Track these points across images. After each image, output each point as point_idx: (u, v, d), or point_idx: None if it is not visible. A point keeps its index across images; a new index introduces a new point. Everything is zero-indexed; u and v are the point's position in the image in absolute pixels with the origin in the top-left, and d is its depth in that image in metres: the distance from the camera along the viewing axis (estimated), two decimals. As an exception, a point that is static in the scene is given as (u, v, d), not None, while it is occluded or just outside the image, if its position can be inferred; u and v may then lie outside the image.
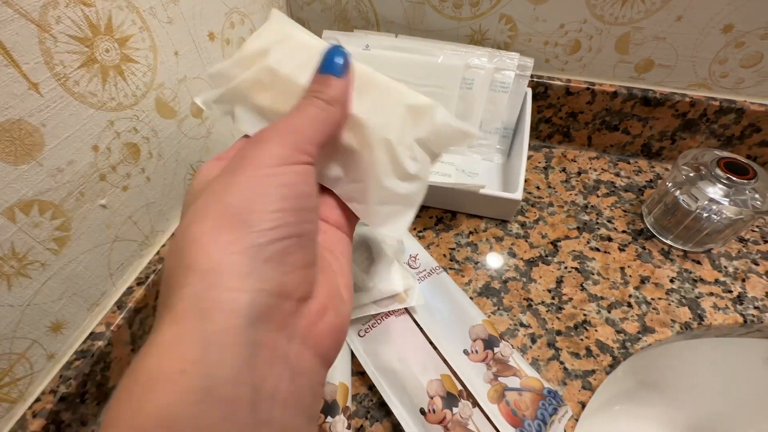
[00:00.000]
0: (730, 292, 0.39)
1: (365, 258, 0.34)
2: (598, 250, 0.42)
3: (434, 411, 0.28)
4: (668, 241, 0.42)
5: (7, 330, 0.25)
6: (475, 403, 0.29)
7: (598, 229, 0.44)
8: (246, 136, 0.22)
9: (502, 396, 0.29)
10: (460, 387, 0.30)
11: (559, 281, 0.39)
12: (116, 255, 0.32)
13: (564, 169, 0.51)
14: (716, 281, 0.39)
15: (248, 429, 0.13)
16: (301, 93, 0.19)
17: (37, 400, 0.27)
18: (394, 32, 0.50)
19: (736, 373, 0.43)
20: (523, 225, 0.44)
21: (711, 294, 0.38)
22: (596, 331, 0.36)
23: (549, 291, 0.39)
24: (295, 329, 0.15)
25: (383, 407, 0.31)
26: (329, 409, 0.28)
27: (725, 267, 0.41)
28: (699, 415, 0.46)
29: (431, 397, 0.29)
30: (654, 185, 0.49)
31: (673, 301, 0.38)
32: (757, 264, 0.41)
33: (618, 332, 0.36)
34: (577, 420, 0.31)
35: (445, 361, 0.31)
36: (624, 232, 0.44)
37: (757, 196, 0.36)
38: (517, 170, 0.42)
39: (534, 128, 0.53)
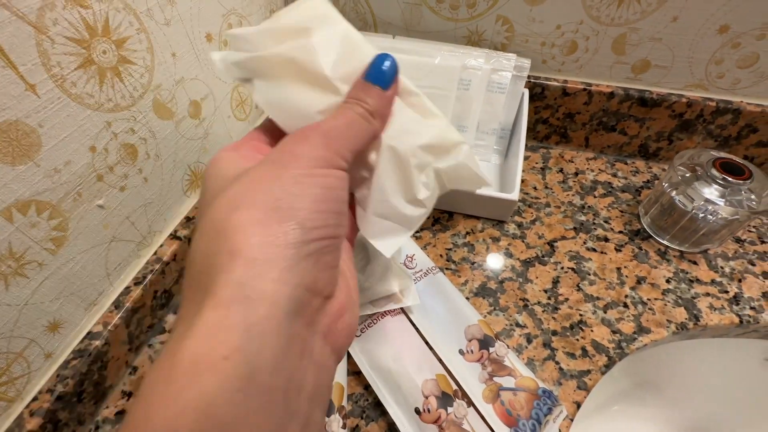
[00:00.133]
0: (727, 292, 0.39)
1: (361, 258, 0.34)
2: (594, 250, 0.42)
3: (429, 410, 0.28)
4: (665, 242, 0.42)
5: (5, 329, 0.25)
6: (470, 403, 0.29)
7: (595, 229, 0.44)
8: (256, 133, 0.21)
9: (497, 396, 0.29)
10: (455, 387, 0.30)
11: (556, 281, 0.39)
12: (113, 255, 0.32)
13: (561, 170, 0.51)
14: (712, 282, 0.39)
15: (280, 419, 0.13)
16: (330, 84, 0.19)
17: (35, 398, 0.27)
18: (391, 33, 0.50)
19: (733, 373, 0.43)
20: (520, 225, 0.44)
21: (707, 294, 0.38)
22: (592, 331, 0.36)
23: (545, 291, 0.39)
24: (319, 326, 0.16)
25: (379, 407, 0.31)
26: (324, 408, 0.28)
27: (722, 267, 0.41)
28: (696, 415, 0.46)
29: (426, 397, 0.29)
30: (651, 186, 0.49)
31: (669, 302, 0.38)
32: (753, 264, 0.41)
33: (614, 332, 0.36)
34: (572, 420, 0.31)
35: (440, 360, 0.31)
36: (621, 232, 0.44)
37: (753, 196, 0.36)
38: (514, 171, 0.42)
39: (531, 129, 0.53)
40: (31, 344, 0.27)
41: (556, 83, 0.48)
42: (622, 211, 0.46)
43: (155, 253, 0.35)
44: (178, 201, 0.38)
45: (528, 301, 0.38)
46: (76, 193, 0.28)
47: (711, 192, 0.37)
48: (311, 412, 0.15)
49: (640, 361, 0.39)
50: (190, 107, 0.37)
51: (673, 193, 0.39)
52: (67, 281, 0.28)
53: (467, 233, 0.43)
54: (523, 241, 0.43)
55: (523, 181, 0.49)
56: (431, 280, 0.36)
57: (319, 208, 0.16)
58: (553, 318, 0.37)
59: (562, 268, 0.41)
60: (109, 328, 0.31)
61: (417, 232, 0.44)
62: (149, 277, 0.34)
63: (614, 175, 0.50)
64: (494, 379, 0.30)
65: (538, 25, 0.46)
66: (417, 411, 0.29)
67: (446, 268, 0.40)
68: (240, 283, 0.13)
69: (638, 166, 0.51)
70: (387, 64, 0.19)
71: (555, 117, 0.51)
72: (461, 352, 0.32)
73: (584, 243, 0.43)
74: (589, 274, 0.40)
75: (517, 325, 0.36)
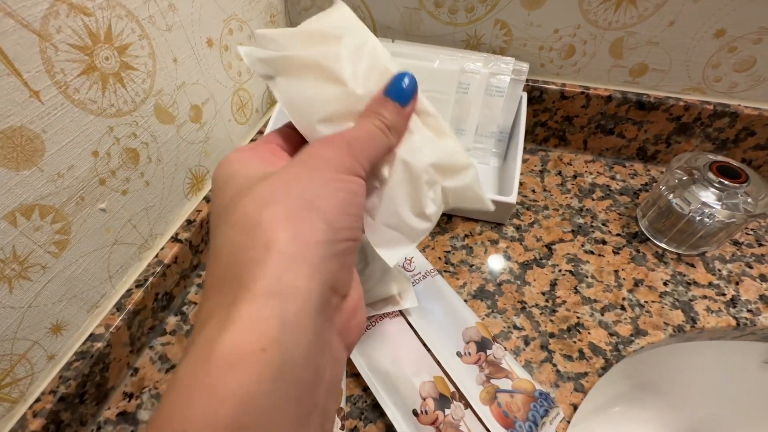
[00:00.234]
0: (724, 295, 0.39)
1: (360, 261, 0.34)
2: (592, 253, 0.42)
3: (426, 412, 0.29)
4: (662, 244, 0.42)
5: (9, 331, 0.25)
6: (467, 405, 0.29)
7: (593, 232, 0.44)
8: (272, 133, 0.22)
9: (494, 398, 0.30)
10: (452, 389, 0.30)
11: (553, 284, 0.40)
12: (116, 258, 0.32)
13: (560, 173, 0.51)
14: (710, 284, 0.40)
15: (306, 409, 0.14)
16: (350, 93, 0.20)
17: (38, 400, 0.28)
18: (391, 38, 0.50)
19: (732, 376, 0.44)
20: (518, 228, 0.45)
21: (704, 297, 0.39)
22: (589, 333, 0.36)
23: (543, 294, 0.39)
24: (335, 322, 0.17)
25: (377, 408, 0.31)
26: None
27: (719, 270, 0.41)
28: (695, 417, 0.46)
29: (424, 399, 0.29)
30: (649, 188, 0.49)
31: (666, 304, 0.38)
32: (751, 267, 0.41)
33: (611, 335, 0.36)
34: (569, 422, 0.31)
35: (438, 363, 0.31)
36: (618, 235, 0.44)
37: (749, 199, 0.37)
38: (512, 174, 0.43)
39: (530, 132, 0.53)
40: (35, 346, 0.27)
41: (554, 86, 0.49)
42: (620, 214, 0.46)
43: (156, 256, 0.36)
44: (179, 204, 0.39)
45: (526, 303, 0.38)
46: (79, 197, 0.28)
47: (707, 195, 0.37)
48: (329, 403, 0.16)
49: (640, 363, 0.39)
50: (191, 111, 0.37)
51: (671, 196, 0.40)
52: (69, 284, 0.29)
53: (466, 236, 0.44)
54: (521, 244, 0.43)
55: (521, 183, 0.49)
56: (430, 282, 0.37)
57: (345, 210, 0.16)
58: (551, 320, 0.37)
59: (560, 270, 0.41)
60: (111, 330, 0.31)
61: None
62: (150, 279, 0.34)
63: (612, 178, 0.50)
64: (491, 381, 0.30)
65: (536, 29, 0.46)
66: (415, 413, 0.29)
67: (445, 271, 0.41)
68: (275, 276, 0.14)
69: (636, 169, 0.52)
70: (407, 82, 0.20)
71: (553, 120, 0.52)
72: (459, 354, 0.32)
73: (582, 246, 0.43)
74: (587, 277, 0.40)
75: (515, 327, 0.37)
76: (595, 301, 0.38)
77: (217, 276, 0.15)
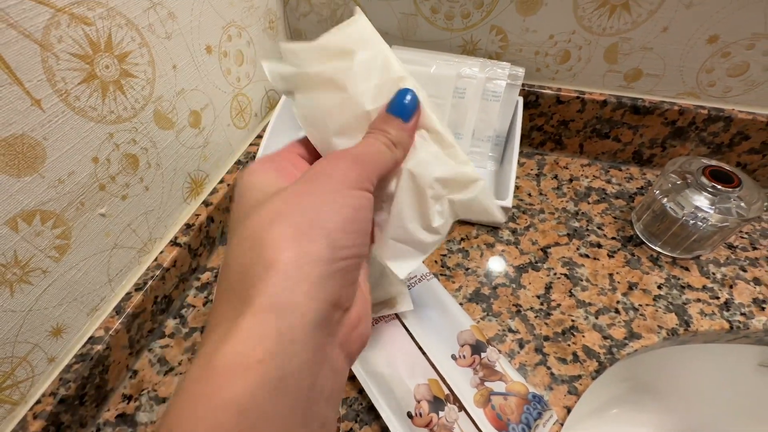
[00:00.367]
0: (717, 298, 0.39)
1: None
2: (587, 256, 0.43)
3: (421, 415, 0.29)
4: (657, 248, 0.43)
5: (10, 334, 0.26)
6: (461, 408, 0.30)
7: (588, 235, 0.45)
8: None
9: (487, 400, 0.30)
10: (447, 391, 0.30)
11: (548, 287, 0.40)
12: (115, 262, 0.33)
13: (556, 176, 0.51)
14: (704, 287, 0.40)
15: (304, 420, 0.14)
16: (361, 110, 0.20)
17: (38, 402, 0.28)
18: (387, 43, 0.51)
19: (727, 379, 0.44)
20: (514, 232, 0.45)
21: (698, 300, 0.39)
22: (583, 336, 0.36)
23: (538, 297, 0.39)
24: (337, 335, 0.17)
25: (372, 411, 0.32)
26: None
27: (713, 273, 0.41)
28: (690, 420, 0.46)
29: (418, 401, 0.29)
30: (645, 192, 0.49)
31: (660, 308, 0.38)
32: (744, 270, 0.41)
33: (605, 338, 0.36)
34: (562, 424, 0.31)
35: (433, 365, 0.32)
36: (613, 238, 0.44)
37: (742, 204, 0.37)
38: (509, 177, 0.43)
39: (526, 136, 0.54)
40: (35, 349, 0.28)
41: (550, 91, 0.49)
42: (615, 218, 0.46)
43: (156, 260, 0.36)
44: (178, 208, 0.39)
45: (521, 306, 0.39)
46: (79, 203, 0.29)
47: (700, 200, 0.37)
48: (328, 413, 0.16)
49: (636, 366, 0.39)
50: (190, 117, 0.38)
51: (664, 201, 0.40)
52: (70, 287, 0.29)
53: (462, 239, 0.44)
54: (516, 247, 0.43)
55: (517, 187, 0.49)
56: (425, 286, 0.37)
57: (348, 228, 0.17)
58: (545, 323, 0.37)
59: (555, 274, 0.41)
60: (110, 332, 0.31)
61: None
62: (150, 283, 0.35)
63: (608, 182, 0.51)
64: (485, 383, 0.31)
65: (532, 34, 0.47)
66: (409, 415, 0.29)
67: (440, 274, 0.41)
68: (275, 293, 0.15)
69: (632, 173, 0.52)
70: (408, 98, 0.21)
71: (549, 124, 0.52)
72: (454, 357, 0.32)
73: (577, 249, 0.43)
74: (582, 280, 0.41)
75: (510, 330, 0.37)
76: (590, 304, 0.39)
77: (226, 287, 0.16)
